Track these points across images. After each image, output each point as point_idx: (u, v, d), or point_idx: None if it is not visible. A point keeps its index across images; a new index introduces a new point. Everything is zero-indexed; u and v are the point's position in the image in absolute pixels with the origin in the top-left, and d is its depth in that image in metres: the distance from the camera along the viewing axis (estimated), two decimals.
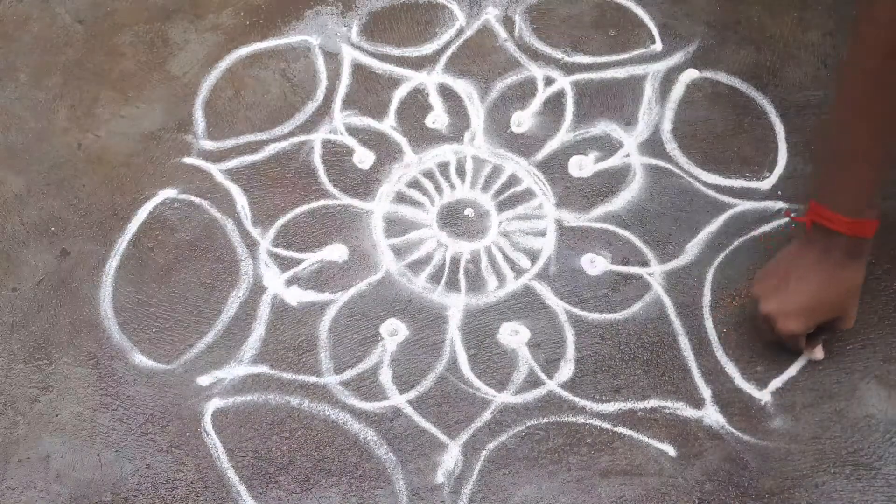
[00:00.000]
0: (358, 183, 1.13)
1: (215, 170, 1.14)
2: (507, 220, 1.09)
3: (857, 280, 0.87)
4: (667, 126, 1.14)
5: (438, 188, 1.12)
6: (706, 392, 0.96)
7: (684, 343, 0.99)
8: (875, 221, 0.85)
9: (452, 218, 1.10)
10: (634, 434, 0.94)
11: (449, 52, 1.22)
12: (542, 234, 1.08)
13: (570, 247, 1.06)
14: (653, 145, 1.13)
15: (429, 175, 1.13)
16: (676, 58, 1.19)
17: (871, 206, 0.84)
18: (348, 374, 0.99)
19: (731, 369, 0.97)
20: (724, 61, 1.19)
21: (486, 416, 0.96)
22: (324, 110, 1.18)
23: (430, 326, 1.02)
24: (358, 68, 1.21)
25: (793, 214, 1.01)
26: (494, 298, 1.04)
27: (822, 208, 0.85)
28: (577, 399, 0.96)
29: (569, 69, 1.19)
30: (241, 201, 1.11)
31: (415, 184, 1.12)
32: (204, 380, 1.00)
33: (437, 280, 1.05)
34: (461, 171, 1.13)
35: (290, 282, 1.06)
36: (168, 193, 1.13)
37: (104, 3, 1.30)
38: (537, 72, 1.19)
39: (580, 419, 0.95)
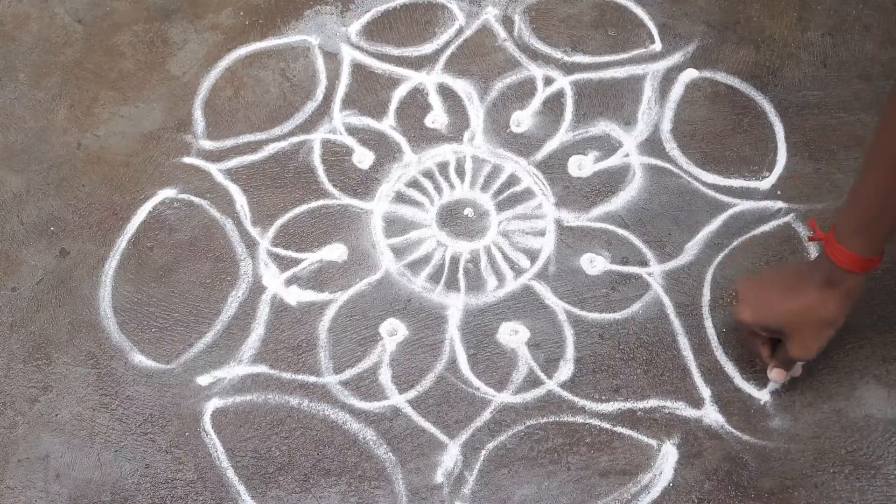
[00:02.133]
0: (357, 183, 1.13)
1: (215, 169, 1.14)
2: (506, 220, 1.09)
3: (831, 313, 0.81)
4: (666, 126, 1.14)
5: (438, 188, 1.12)
6: (706, 392, 0.96)
7: (684, 343, 0.99)
8: (873, 260, 0.79)
9: (452, 218, 1.10)
10: (634, 434, 0.94)
11: (448, 52, 1.22)
12: (542, 233, 1.08)
13: (569, 246, 1.06)
14: (652, 145, 1.13)
15: (428, 175, 1.13)
16: (676, 57, 1.19)
17: (875, 247, 0.78)
18: (348, 373, 0.99)
19: (731, 369, 0.97)
20: (723, 61, 1.19)
21: (486, 415, 0.96)
22: (323, 110, 1.18)
23: (429, 326, 1.02)
24: (357, 68, 1.21)
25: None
26: (494, 298, 1.04)
27: (833, 238, 0.80)
28: (576, 399, 0.96)
29: (568, 69, 1.19)
30: (241, 201, 1.11)
31: (414, 183, 1.12)
32: (203, 380, 1.00)
33: (437, 280, 1.05)
34: (461, 171, 1.13)
35: (289, 281, 1.06)
36: (167, 193, 1.13)
37: (104, 3, 1.30)
38: (537, 71, 1.19)
39: (579, 419, 0.95)
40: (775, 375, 0.92)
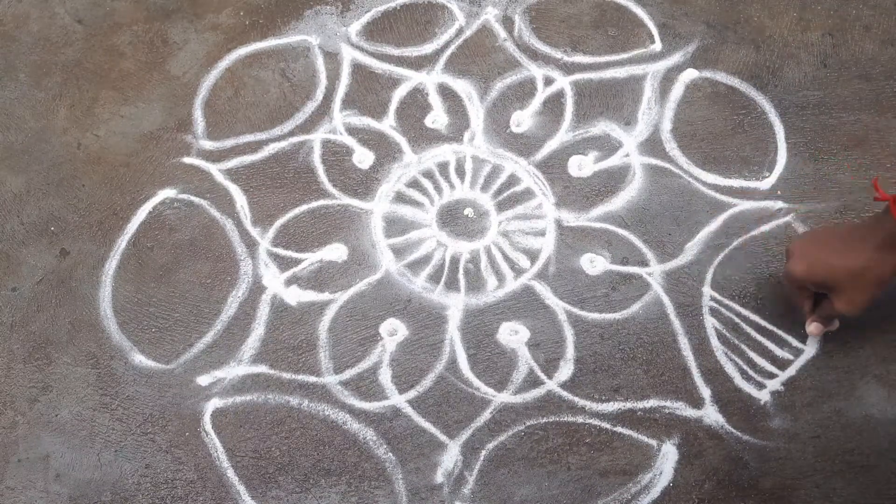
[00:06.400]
0: (357, 183, 1.13)
1: (215, 169, 1.14)
2: (506, 220, 1.09)
3: (887, 273, 0.82)
4: (666, 126, 1.14)
5: (438, 188, 1.12)
6: (706, 392, 0.96)
7: (684, 343, 0.99)
8: None
9: (452, 218, 1.10)
10: (634, 434, 0.94)
11: (448, 52, 1.22)
12: (542, 233, 1.08)
13: (569, 246, 1.06)
14: (652, 145, 1.13)
15: (428, 175, 1.13)
16: (676, 57, 1.19)
17: None
18: (348, 373, 0.99)
19: (731, 369, 0.97)
20: (723, 61, 1.19)
21: (486, 415, 0.96)
22: (323, 110, 1.18)
23: (429, 326, 1.02)
24: (357, 68, 1.21)
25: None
26: (494, 298, 1.04)
27: None
28: (576, 399, 0.96)
29: (568, 69, 1.19)
30: (241, 201, 1.11)
31: (414, 183, 1.12)
32: (203, 380, 1.00)
33: (437, 280, 1.05)
34: (461, 171, 1.13)
35: (289, 281, 1.06)
36: (167, 193, 1.13)
37: (104, 3, 1.30)
38: (537, 72, 1.19)
39: (579, 419, 0.95)
40: (814, 329, 0.94)
